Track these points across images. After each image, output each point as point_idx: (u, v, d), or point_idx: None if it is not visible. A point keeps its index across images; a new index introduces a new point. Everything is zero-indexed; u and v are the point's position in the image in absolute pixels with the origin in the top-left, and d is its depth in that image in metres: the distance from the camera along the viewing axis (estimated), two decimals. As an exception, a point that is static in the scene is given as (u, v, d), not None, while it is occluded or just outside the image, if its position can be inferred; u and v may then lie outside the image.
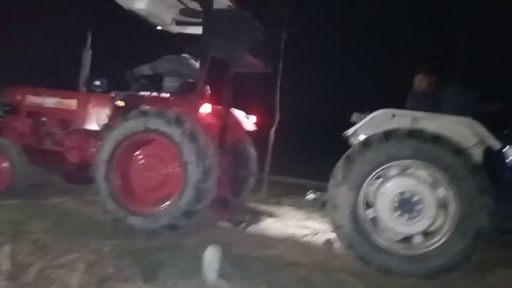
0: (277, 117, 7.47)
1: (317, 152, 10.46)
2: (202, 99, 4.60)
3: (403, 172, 3.68)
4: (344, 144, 4.04)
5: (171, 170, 4.26)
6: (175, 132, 4.03)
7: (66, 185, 6.10)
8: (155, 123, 4.10)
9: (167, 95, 4.55)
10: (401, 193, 3.59)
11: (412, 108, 3.91)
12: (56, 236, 3.54)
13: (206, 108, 4.57)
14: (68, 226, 3.87)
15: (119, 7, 4.82)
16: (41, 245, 3.26)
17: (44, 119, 5.28)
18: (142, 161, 4.33)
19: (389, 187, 3.63)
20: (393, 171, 3.69)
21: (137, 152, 4.36)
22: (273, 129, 7.45)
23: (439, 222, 3.58)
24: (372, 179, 3.67)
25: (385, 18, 10.35)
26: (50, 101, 5.22)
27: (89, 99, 5.12)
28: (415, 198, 3.56)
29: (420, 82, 4.53)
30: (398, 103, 3.99)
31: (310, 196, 4.52)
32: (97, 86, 5.42)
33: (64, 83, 5.61)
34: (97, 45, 5.57)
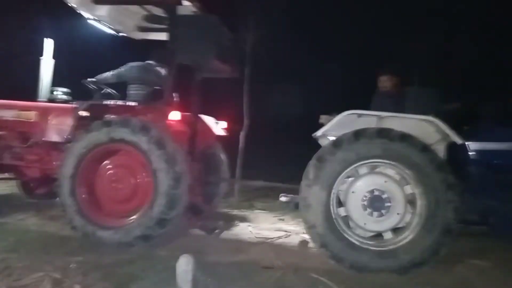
0: (246, 122, 7.48)
1: (285, 155, 10.58)
2: (170, 106, 4.53)
3: (372, 170, 3.78)
4: (313, 146, 4.10)
5: (139, 180, 4.15)
6: (141, 140, 3.94)
7: (27, 201, 5.84)
8: (120, 133, 4.00)
9: (133, 103, 4.43)
10: (371, 192, 3.68)
11: (377, 108, 4.02)
12: (19, 255, 3.37)
13: (175, 116, 4.50)
14: (31, 244, 3.69)
15: (80, 15, 4.68)
16: (4, 266, 3.08)
17: (2, 132, 5.03)
18: (109, 172, 4.19)
19: (359, 185, 3.72)
20: (362, 170, 3.78)
21: (103, 164, 4.22)
22: (242, 133, 7.45)
23: (407, 218, 3.69)
24: (343, 178, 3.75)
25: (348, 20, 10.63)
26: (7, 114, 4.97)
27: (50, 110, 4.91)
28: (384, 196, 3.66)
29: (384, 83, 4.65)
30: (364, 105, 4.08)
31: (283, 198, 4.54)
32: (57, 96, 5.23)
33: (21, 94, 5.36)
34: (57, 53, 5.37)
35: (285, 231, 5.08)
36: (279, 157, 10.69)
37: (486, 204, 4.18)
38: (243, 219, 5.56)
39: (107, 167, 4.21)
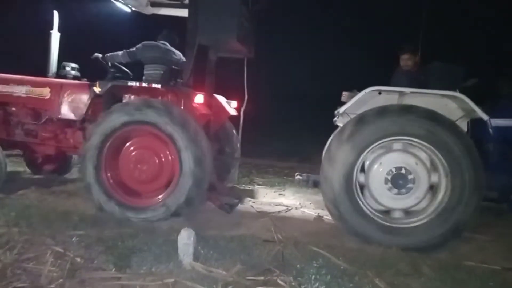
0: (246, 98, 7.39)
1: (287, 132, 10.53)
2: (192, 88, 4.49)
3: (406, 148, 3.73)
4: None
5: (163, 160, 4.14)
6: (164, 122, 3.95)
7: (28, 177, 5.85)
8: (143, 115, 3.98)
9: (156, 85, 4.37)
10: (398, 168, 3.66)
11: (399, 86, 3.96)
12: (21, 229, 3.38)
13: (199, 99, 4.48)
14: (32, 218, 3.70)
15: None
16: (6, 240, 3.10)
17: (14, 108, 4.97)
18: (133, 153, 4.16)
19: (389, 159, 3.69)
20: (397, 146, 3.75)
21: (127, 145, 4.19)
22: (243, 109, 7.38)
23: (423, 204, 3.69)
24: (377, 147, 3.71)
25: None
26: (19, 89, 4.88)
27: (64, 86, 4.83)
28: (410, 177, 3.64)
29: (406, 61, 4.59)
30: (376, 82, 3.99)
31: (299, 177, 4.67)
32: (68, 73, 5.13)
33: (29, 69, 5.25)
34: (64, 28, 5.24)
35: (286, 205, 5.12)
36: (277, 134, 10.67)
37: (507, 181, 4.17)
38: (244, 194, 5.58)
39: (131, 148, 4.18)
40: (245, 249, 3.23)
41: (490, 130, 4.21)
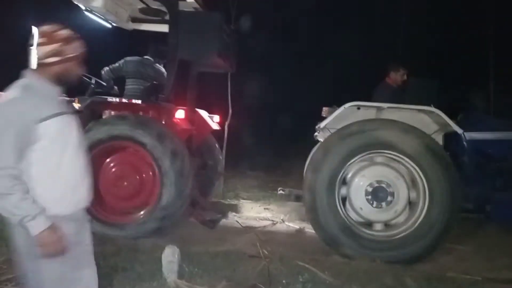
0: (230, 112, 7.42)
1: (267, 146, 10.56)
2: (173, 103, 4.48)
3: (389, 162, 3.79)
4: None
5: (144, 176, 4.08)
6: (142, 136, 3.91)
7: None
8: (118, 130, 3.95)
9: (137, 101, 4.34)
10: (379, 181, 3.71)
11: (391, 102, 4.04)
12: (1, 249, 3.27)
13: (180, 114, 4.46)
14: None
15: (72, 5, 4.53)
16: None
17: None
18: (112, 170, 4.10)
19: (370, 172, 3.75)
20: (380, 159, 3.81)
21: (106, 162, 4.12)
22: (227, 123, 7.40)
23: (402, 218, 3.75)
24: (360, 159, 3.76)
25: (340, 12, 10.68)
26: None
27: None
28: (390, 190, 3.69)
29: (402, 77, 4.70)
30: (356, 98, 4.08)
31: (281, 192, 4.71)
32: None
33: (8, 85, 5.14)
34: None
35: (271, 220, 5.11)
36: (260, 148, 10.69)
37: (482, 192, 4.28)
38: (229, 209, 5.54)
39: (110, 165, 4.11)
40: (230, 265, 3.20)
41: (465, 143, 4.34)
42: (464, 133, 4.08)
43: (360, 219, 3.81)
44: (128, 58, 4.71)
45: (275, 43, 11.68)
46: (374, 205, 3.71)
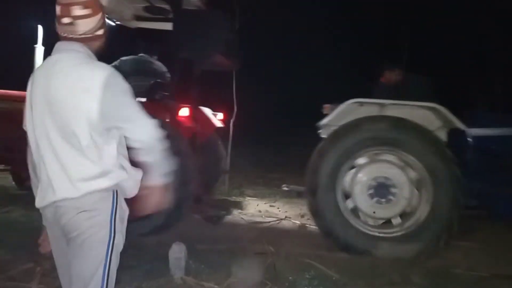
0: (235, 110, 7.43)
1: (272, 144, 10.56)
2: (177, 101, 4.47)
3: (392, 159, 3.77)
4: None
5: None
6: None
7: (14, 193, 5.74)
8: None
9: (141, 99, 4.35)
10: (375, 179, 3.70)
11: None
12: (5, 247, 3.31)
13: (184, 112, 4.45)
14: (18, 235, 3.63)
15: None
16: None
17: None
18: None
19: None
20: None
21: None
22: (232, 121, 7.40)
23: (404, 214, 3.73)
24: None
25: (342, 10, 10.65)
26: (4, 105, 4.81)
27: None
28: (393, 187, 3.68)
29: (396, 75, 4.68)
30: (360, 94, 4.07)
31: (285, 189, 4.81)
32: None
33: (14, 84, 5.19)
34: (49, 42, 5.19)
35: (276, 216, 5.11)
36: (265, 146, 10.70)
37: (485, 188, 4.26)
38: (235, 206, 5.56)
39: None
40: (237, 261, 3.21)
41: (468, 139, 4.32)
42: (468, 129, 4.06)
43: (363, 215, 3.80)
44: (123, 58, 4.72)
45: (277, 42, 11.67)
46: (378, 201, 3.71)
